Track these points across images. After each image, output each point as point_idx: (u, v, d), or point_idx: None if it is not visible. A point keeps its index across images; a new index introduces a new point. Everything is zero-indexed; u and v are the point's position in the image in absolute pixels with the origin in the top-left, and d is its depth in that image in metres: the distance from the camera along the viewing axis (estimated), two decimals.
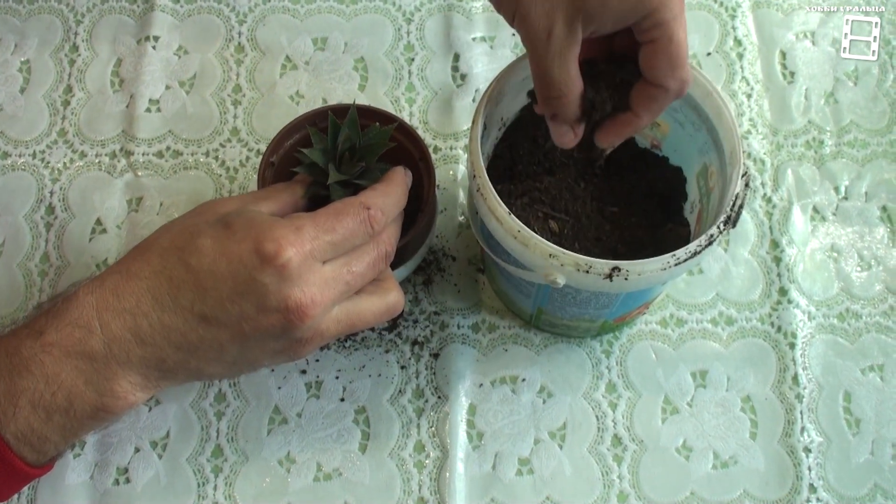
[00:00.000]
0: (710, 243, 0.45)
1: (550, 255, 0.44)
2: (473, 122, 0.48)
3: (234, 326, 0.40)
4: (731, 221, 0.46)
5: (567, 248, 0.43)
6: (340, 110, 0.50)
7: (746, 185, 0.46)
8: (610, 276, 0.44)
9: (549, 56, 0.41)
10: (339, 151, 0.46)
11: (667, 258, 0.44)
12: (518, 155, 0.54)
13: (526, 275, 0.47)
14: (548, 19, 0.40)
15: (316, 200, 0.47)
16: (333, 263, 0.42)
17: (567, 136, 0.45)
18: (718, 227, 0.45)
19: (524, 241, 0.44)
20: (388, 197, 0.45)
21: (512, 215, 0.45)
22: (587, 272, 0.44)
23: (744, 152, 0.47)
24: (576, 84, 0.42)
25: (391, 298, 0.45)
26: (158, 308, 0.40)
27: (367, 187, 0.46)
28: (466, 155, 0.62)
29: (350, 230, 0.42)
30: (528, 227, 0.44)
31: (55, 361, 0.40)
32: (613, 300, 0.48)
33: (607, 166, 0.56)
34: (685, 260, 0.44)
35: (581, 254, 0.43)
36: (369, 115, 0.51)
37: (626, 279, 0.44)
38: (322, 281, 0.41)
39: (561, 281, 0.44)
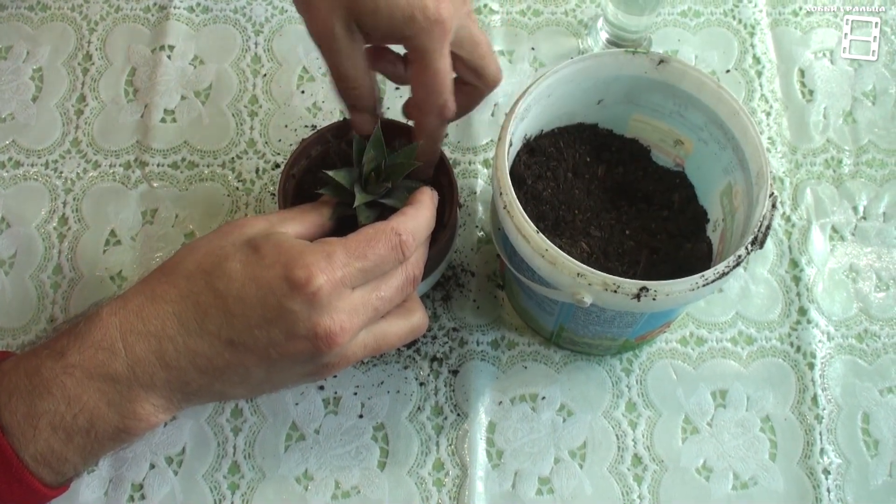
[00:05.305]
0: (738, 264, 0.45)
1: (578, 274, 0.43)
2: (500, 140, 0.47)
3: (262, 352, 0.40)
4: (759, 242, 0.45)
5: (590, 266, 0.43)
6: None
7: (773, 205, 0.46)
8: (638, 297, 0.43)
9: (336, 53, 0.44)
10: (364, 172, 0.46)
11: (695, 279, 0.43)
12: (541, 171, 0.54)
13: (551, 293, 0.47)
14: (328, 18, 0.42)
15: (342, 220, 0.46)
16: (363, 289, 0.41)
17: (367, 123, 0.47)
18: (746, 248, 0.45)
19: (552, 259, 0.44)
20: (418, 221, 0.44)
21: (540, 233, 0.44)
22: (615, 292, 0.43)
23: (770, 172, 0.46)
24: (366, 78, 0.45)
25: (416, 320, 0.45)
26: (184, 332, 0.40)
27: (393, 207, 0.45)
28: (487, 170, 0.62)
29: (381, 257, 0.41)
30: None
31: (77, 383, 0.40)
32: (638, 319, 0.48)
33: (628, 184, 0.56)
34: (713, 280, 0.44)
35: (603, 272, 0.43)
36: (393, 130, 0.50)
37: (654, 299, 0.43)
38: (351, 308, 0.40)
39: (588, 300, 0.44)
